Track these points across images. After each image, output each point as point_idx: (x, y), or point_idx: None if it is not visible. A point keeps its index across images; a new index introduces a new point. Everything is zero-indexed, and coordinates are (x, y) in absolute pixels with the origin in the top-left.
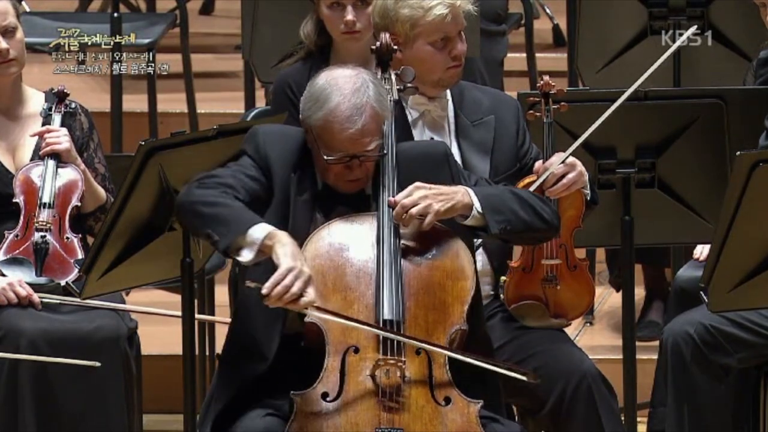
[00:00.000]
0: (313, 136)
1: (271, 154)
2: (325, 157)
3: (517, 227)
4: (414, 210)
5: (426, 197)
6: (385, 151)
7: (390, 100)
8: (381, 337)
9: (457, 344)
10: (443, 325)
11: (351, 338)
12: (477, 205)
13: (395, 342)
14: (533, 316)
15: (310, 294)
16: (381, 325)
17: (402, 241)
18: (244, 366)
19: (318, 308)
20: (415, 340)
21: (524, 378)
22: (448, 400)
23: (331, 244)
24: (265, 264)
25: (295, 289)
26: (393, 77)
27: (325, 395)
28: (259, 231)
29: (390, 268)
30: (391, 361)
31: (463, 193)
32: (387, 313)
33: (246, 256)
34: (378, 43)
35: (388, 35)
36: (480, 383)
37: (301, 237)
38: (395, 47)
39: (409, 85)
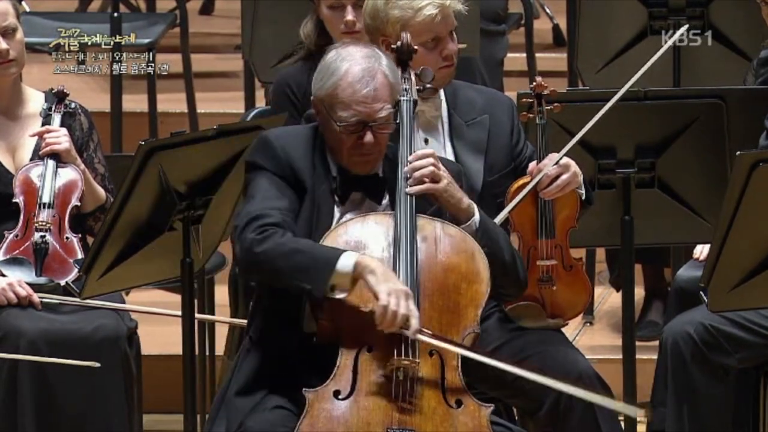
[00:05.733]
0: (324, 108)
1: (293, 155)
2: (337, 125)
3: (497, 261)
4: (426, 170)
5: (441, 169)
6: (397, 122)
7: (410, 100)
8: (395, 337)
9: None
10: (457, 327)
11: (365, 337)
12: (476, 217)
13: (409, 342)
14: (530, 317)
15: (415, 311)
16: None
17: (419, 241)
18: (279, 339)
19: (431, 335)
20: (470, 350)
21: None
22: (459, 403)
23: (348, 242)
24: None
25: (402, 311)
26: (413, 77)
27: (337, 393)
28: (346, 265)
29: (406, 269)
30: (405, 362)
31: (470, 201)
32: None
33: (341, 294)
34: (399, 43)
35: (409, 35)
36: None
37: (321, 230)
38: (387, 49)
39: (428, 85)
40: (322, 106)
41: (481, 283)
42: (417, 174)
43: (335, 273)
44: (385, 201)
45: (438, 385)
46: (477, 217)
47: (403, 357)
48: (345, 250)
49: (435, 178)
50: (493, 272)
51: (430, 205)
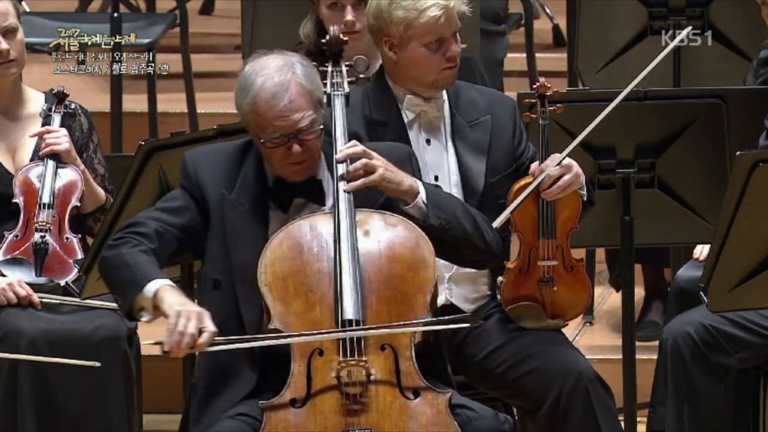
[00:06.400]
0: (248, 124)
1: (203, 178)
2: (261, 141)
3: (456, 232)
4: (358, 164)
5: (374, 158)
6: (322, 126)
7: (342, 95)
8: (340, 339)
9: (424, 335)
10: (407, 317)
11: (315, 341)
12: (422, 194)
13: (354, 342)
14: (530, 317)
15: (209, 327)
16: (340, 326)
17: (360, 236)
18: (229, 391)
19: (224, 341)
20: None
21: (466, 324)
22: (416, 393)
23: (290, 247)
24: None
25: (190, 329)
26: (344, 70)
27: (293, 401)
28: (149, 290)
29: (349, 266)
30: (352, 362)
31: (412, 180)
32: (348, 313)
33: (146, 317)
34: (327, 37)
35: (337, 27)
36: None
37: (250, 247)
38: (390, 49)
39: (361, 76)
40: (246, 121)
41: (428, 269)
42: (350, 169)
43: (140, 296)
44: (330, 201)
45: (393, 379)
46: (423, 194)
47: (349, 358)
48: (158, 277)
49: (369, 170)
50: (455, 243)
51: (380, 194)
